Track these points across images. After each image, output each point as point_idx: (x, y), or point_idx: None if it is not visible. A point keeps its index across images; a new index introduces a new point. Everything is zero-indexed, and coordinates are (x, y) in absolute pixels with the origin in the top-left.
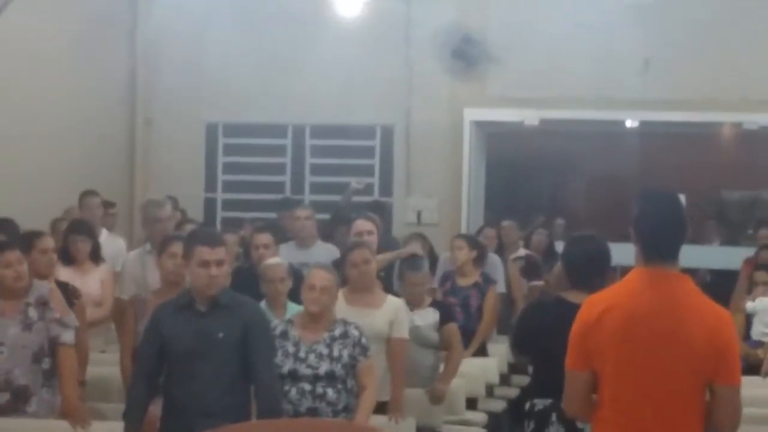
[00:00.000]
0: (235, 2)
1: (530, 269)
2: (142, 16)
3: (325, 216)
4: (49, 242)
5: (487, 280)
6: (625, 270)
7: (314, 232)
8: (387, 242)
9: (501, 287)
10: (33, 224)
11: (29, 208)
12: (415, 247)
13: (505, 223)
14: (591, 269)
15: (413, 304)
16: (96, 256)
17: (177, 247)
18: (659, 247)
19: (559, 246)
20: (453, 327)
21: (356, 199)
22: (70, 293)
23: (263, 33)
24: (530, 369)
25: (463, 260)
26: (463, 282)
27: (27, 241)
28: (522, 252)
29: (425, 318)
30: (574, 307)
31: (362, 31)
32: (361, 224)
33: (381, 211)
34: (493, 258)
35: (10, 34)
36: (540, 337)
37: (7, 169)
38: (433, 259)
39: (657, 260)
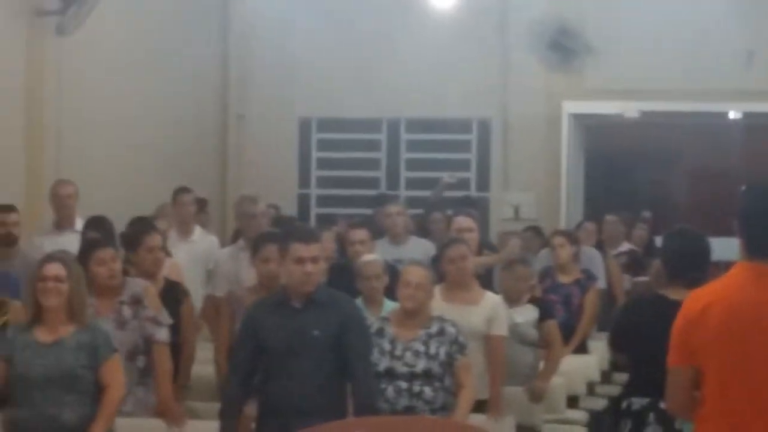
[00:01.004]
0: None
1: (634, 265)
2: (234, 11)
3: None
4: (156, 240)
5: (589, 277)
6: (729, 265)
7: (407, 228)
8: (482, 240)
9: (601, 283)
10: (127, 222)
11: (123, 206)
12: (514, 247)
13: (609, 217)
14: (689, 264)
15: (512, 300)
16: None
17: (269, 251)
18: (763, 242)
19: (660, 240)
20: (553, 324)
21: (448, 194)
22: (178, 291)
23: (355, 26)
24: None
25: (566, 258)
26: (564, 279)
27: (135, 238)
28: (625, 247)
29: (525, 315)
30: (673, 304)
31: (457, 22)
32: (462, 221)
33: (473, 207)
34: (592, 253)
35: (102, 32)
36: (638, 335)
37: (100, 167)
38: None
39: (761, 255)
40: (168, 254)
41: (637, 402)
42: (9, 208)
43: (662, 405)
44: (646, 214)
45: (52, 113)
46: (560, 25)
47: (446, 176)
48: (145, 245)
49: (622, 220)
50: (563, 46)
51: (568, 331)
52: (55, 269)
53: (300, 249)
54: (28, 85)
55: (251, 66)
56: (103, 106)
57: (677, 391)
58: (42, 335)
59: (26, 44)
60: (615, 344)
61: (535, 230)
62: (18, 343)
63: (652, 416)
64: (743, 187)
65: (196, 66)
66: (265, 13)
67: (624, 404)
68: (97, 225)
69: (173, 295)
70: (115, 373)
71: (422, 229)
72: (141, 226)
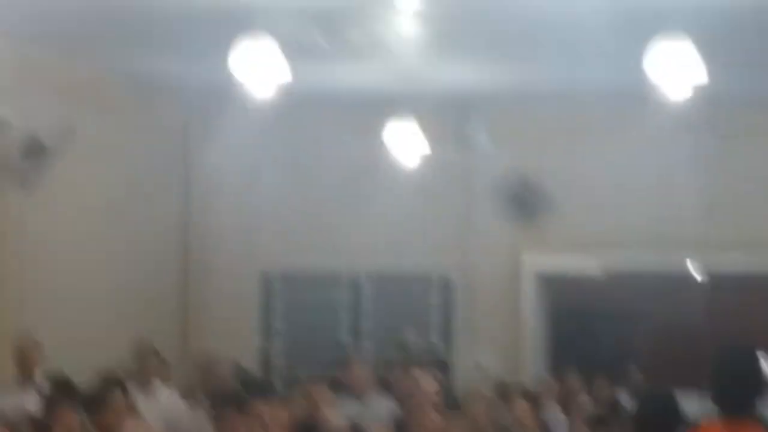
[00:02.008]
0: (290, 150)
1: (599, 426)
2: (196, 166)
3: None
4: (120, 400)
5: None
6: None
7: (370, 384)
8: (448, 401)
9: None
10: (87, 377)
11: (83, 365)
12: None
13: (568, 377)
14: (662, 426)
15: None
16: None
17: (227, 414)
18: (733, 401)
19: (623, 398)
20: None
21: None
22: None
23: (319, 181)
24: None
25: (530, 423)
26: None
27: (98, 399)
28: (589, 407)
29: None
30: None
31: (420, 180)
32: (423, 380)
33: (439, 366)
34: (558, 417)
35: (65, 187)
36: None
37: (62, 321)
38: None
39: (731, 413)
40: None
41: None
42: None
43: None
44: (632, 368)
45: (14, 267)
46: (521, 179)
47: (408, 334)
48: (110, 406)
49: (580, 379)
50: (525, 200)
51: None
52: None
53: (262, 409)
54: None
55: (213, 221)
56: (66, 261)
57: None
58: None
59: None
60: None
61: (503, 389)
62: None
63: None
64: (715, 349)
65: (156, 220)
66: (227, 169)
67: None
68: (61, 387)
69: None
70: None
71: (384, 386)
72: (103, 388)
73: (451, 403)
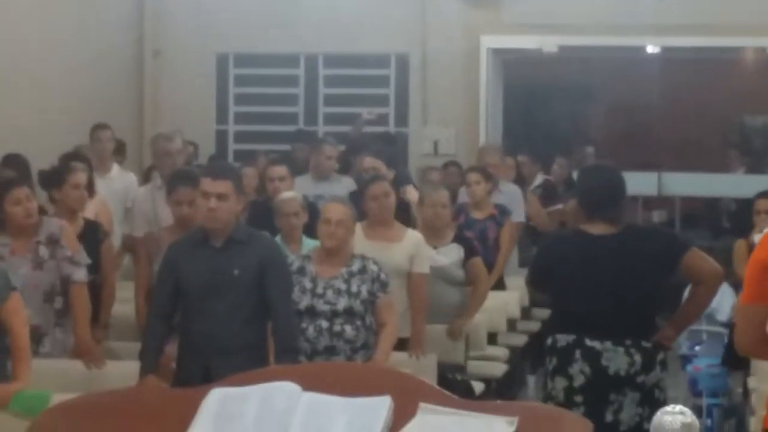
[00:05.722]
0: None
1: (548, 195)
2: None
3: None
4: (81, 177)
5: (503, 212)
6: (645, 200)
7: (331, 165)
8: (402, 175)
9: (520, 217)
10: (43, 161)
11: (39, 145)
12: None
13: (520, 158)
14: (605, 200)
15: (436, 230)
16: (90, 188)
17: (181, 193)
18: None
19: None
20: (478, 261)
21: (369, 129)
22: (98, 231)
23: None
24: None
25: (482, 194)
26: (478, 214)
27: (59, 175)
28: (540, 179)
29: (450, 255)
30: (594, 239)
31: None
32: (369, 162)
33: (392, 143)
34: (512, 188)
35: None
36: (560, 271)
37: (13, 106)
38: None
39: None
40: (94, 192)
41: (563, 339)
42: None
43: (588, 342)
44: (589, 149)
45: None
46: None
47: (365, 112)
48: (70, 182)
49: (539, 156)
50: None
51: (485, 267)
52: None
53: (206, 184)
54: None
55: (167, 4)
56: (13, 44)
57: (750, 331)
58: None
59: None
60: (535, 281)
61: (457, 165)
62: None
63: (578, 353)
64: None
65: (112, 5)
66: None
67: (549, 341)
68: (13, 163)
69: (93, 234)
70: (16, 313)
71: (342, 165)
72: (65, 164)
73: (406, 177)
